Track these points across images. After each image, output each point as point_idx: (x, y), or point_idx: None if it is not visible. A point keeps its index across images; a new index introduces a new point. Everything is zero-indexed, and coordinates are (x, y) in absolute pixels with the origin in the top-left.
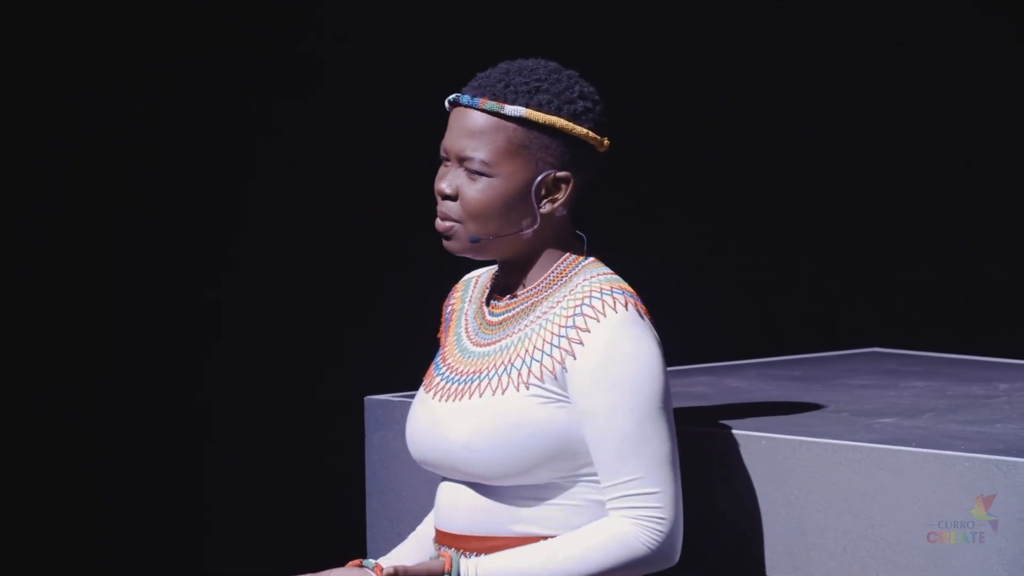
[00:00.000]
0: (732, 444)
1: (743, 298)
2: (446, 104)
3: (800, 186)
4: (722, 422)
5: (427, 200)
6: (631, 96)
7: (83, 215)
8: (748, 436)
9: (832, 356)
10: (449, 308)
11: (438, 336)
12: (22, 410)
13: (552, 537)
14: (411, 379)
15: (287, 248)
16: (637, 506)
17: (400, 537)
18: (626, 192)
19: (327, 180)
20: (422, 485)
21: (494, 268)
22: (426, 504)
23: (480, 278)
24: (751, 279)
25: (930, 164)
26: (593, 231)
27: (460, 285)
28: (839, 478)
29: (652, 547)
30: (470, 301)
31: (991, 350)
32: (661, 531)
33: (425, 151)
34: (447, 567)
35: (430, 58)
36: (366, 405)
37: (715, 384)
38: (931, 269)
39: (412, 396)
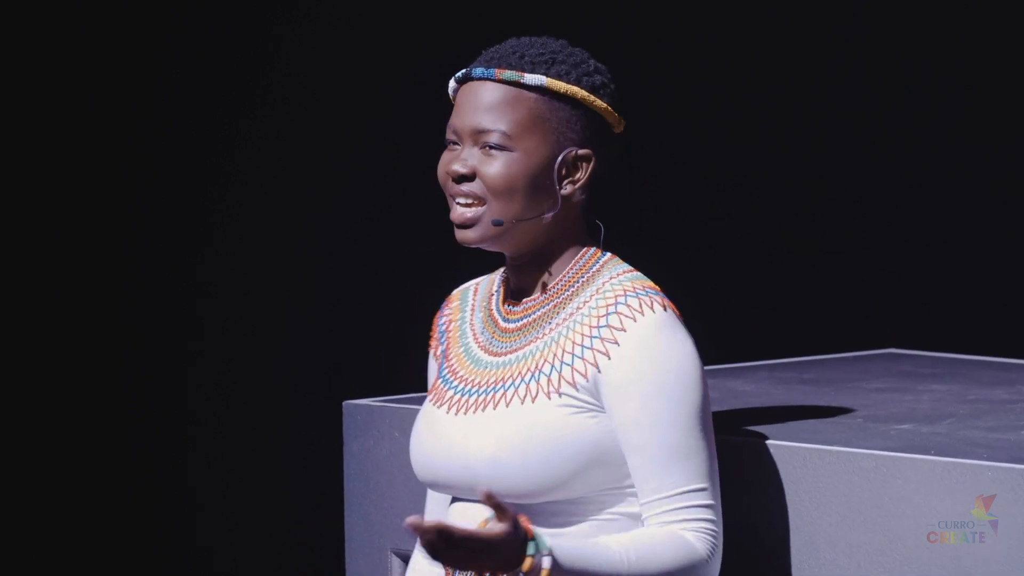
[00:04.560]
0: (738, 452)
1: (750, 296)
2: (451, 84)
3: (813, 181)
4: (728, 428)
5: (410, 203)
6: (642, 95)
7: (68, 225)
8: (755, 444)
9: (845, 358)
10: (444, 320)
11: (429, 349)
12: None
13: None
14: (392, 382)
15: (267, 252)
16: (696, 518)
17: (380, 552)
18: (631, 187)
19: (312, 184)
20: (405, 497)
21: (495, 275)
22: (408, 514)
23: (480, 286)
24: (759, 276)
25: (948, 158)
26: (602, 226)
27: (456, 295)
28: (853, 488)
29: (710, 560)
30: (473, 310)
31: (1015, 351)
32: (717, 544)
33: (411, 153)
34: (530, 534)
35: (425, 57)
36: (344, 410)
37: (720, 387)
38: (951, 266)
39: (393, 401)
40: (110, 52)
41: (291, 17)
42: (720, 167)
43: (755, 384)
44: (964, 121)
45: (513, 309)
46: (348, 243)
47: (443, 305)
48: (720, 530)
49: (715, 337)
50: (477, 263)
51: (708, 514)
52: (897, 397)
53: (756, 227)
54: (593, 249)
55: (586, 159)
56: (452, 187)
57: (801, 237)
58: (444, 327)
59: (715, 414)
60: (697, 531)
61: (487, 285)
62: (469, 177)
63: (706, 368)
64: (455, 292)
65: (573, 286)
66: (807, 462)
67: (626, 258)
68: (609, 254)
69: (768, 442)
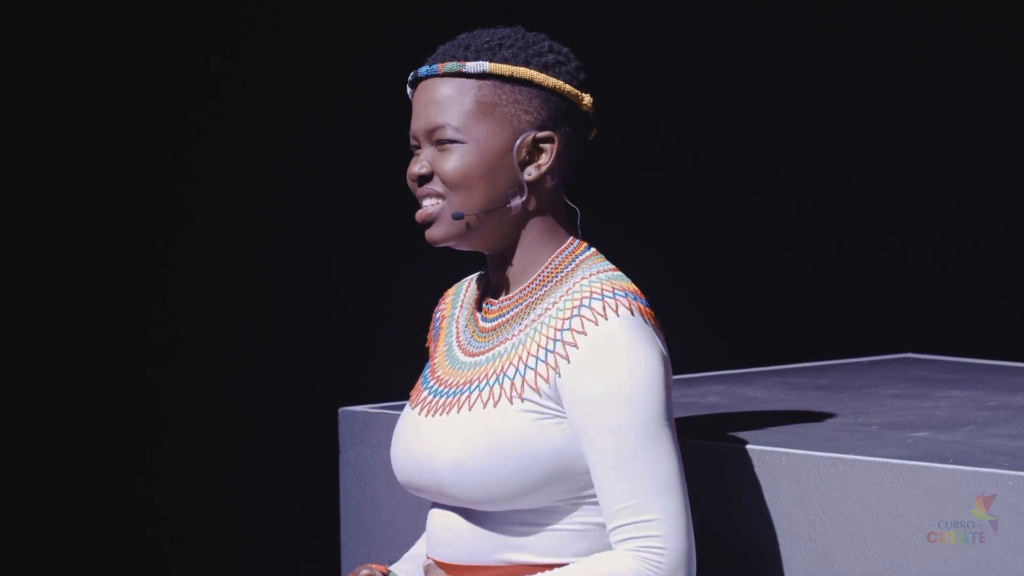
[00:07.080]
0: (748, 460)
1: (763, 300)
2: (408, 91)
3: (820, 180)
4: (737, 436)
5: (397, 203)
6: (655, 89)
7: (63, 226)
8: (766, 452)
9: (860, 363)
10: (439, 315)
11: (427, 346)
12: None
13: (552, 565)
14: (388, 389)
15: (263, 256)
16: (634, 536)
17: (377, 561)
18: (643, 184)
19: (300, 184)
20: (402, 507)
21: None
22: (407, 528)
23: (472, 282)
24: (772, 279)
25: (964, 160)
26: (603, 224)
27: (452, 290)
28: (868, 498)
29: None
30: (462, 307)
31: None
32: (662, 563)
33: (395, 149)
34: None
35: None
36: (340, 417)
37: (730, 394)
38: (969, 268)
39: (390, 407)
40: (104, 53)
41: (290, 16)
42: (725, 168)
43: (767, 390)
44: (969, 120)
45: (490, 308)
46: (345, 248)
47: (441, 299)
48: (673, 546)
49: (726, 341)
50: (473, 269)
51: (654, 529)
52: (914, 403)
53: (767, 229)
54: (574, 245)
55: (548, 141)
56: (417, 190)
57: (814, 239)
58: (438, 324)
59: (725, 421)
60: (638, 550)
61: (478, 282)
62: (428, 177)
63: (716, 373)
64: (453, 286)
65: (547, 285)
66: (820, 471)
67: (631, 260)
68: (592, 250)
69: (780, 450)
